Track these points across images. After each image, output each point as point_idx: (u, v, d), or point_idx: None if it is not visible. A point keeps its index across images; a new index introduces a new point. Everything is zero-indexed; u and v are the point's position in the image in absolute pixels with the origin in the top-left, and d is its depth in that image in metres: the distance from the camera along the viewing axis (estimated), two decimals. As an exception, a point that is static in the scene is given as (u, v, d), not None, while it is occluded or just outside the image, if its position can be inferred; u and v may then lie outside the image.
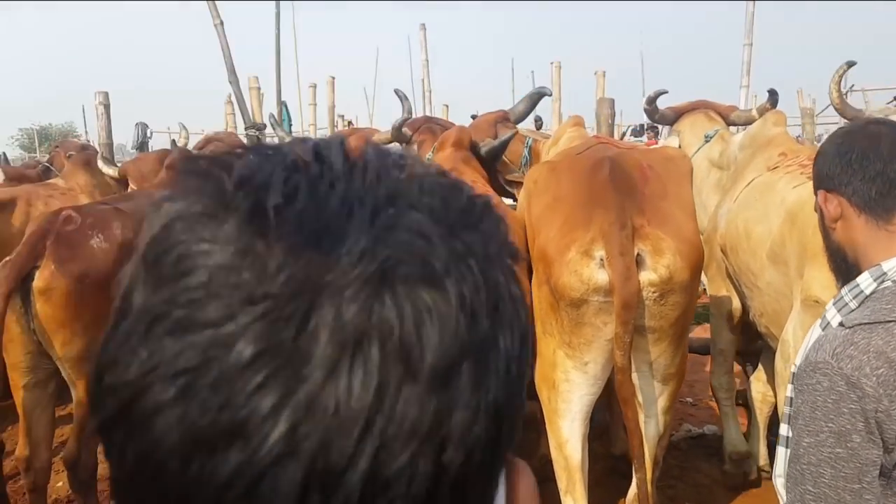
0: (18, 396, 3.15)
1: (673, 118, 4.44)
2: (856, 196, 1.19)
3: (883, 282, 1.14)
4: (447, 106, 10.65)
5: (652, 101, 4.62)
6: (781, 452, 1.28)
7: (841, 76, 3.81)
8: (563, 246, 2.25)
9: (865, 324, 1.12)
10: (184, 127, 4.97)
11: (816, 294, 2.20)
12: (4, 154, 8.63)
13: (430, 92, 9.35)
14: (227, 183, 0.34)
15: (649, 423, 2.38)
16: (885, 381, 1.05)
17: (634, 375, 2.30)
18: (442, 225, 0.34)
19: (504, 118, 4.01)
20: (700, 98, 4.43)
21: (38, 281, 2.91)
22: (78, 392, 3.11)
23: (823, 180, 1.24)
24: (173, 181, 0.36)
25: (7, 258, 2.98)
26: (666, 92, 4.31)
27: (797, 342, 2.14)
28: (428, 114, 9.30)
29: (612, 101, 4.74)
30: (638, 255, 2.15)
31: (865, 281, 1.16)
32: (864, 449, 1.07)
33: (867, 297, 1.15)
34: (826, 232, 1.27)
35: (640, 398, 2.38)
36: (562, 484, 2.36)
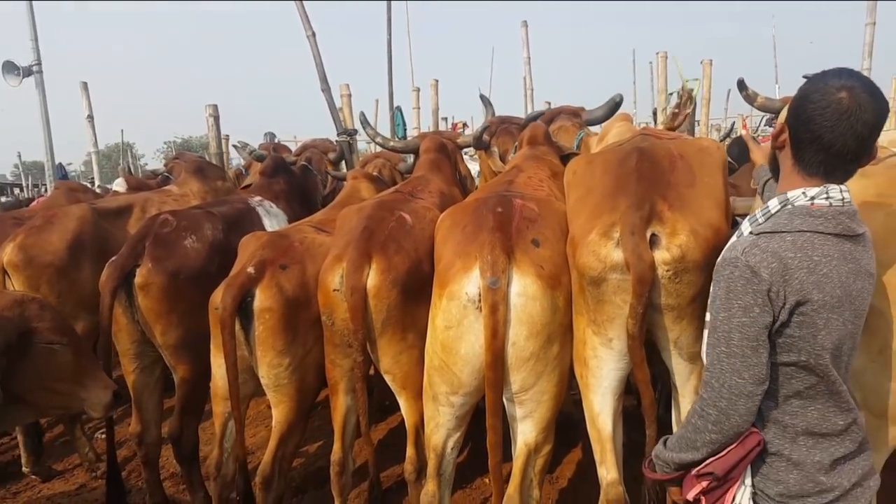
0: (129, 380, 3.58)
1: (780, 107, 4.14)
2: (800, 152, 1.60)
3: (786, 205, 1.61)
4: (549, 103, 10.59)
5: (742, 87, 4.39)
6: (706, 334, 1.74)
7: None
8: (587, 230, 2.35)
9: (767, 232, 1.59)
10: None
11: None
12: (129, 165, 9.74)
13: (532, 90, 9.33)
14: None
15: (684, 401, 2.41)
16: (775, 272, 1.52)
17: (665, 356, 2.38)
18: None
19: (573, 113, 4.01)
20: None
21: (139, 278, 3.31)
22: (177, 376, 3.48)
23: (792, 122, 1.61)
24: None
25: (112, 258, 3.39)
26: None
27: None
28: (531, 111, 9.29)
29: (691, 90, 4.54)
30: (655, 235, 2.23)
31: (773, 203, 1.63)
32: (761, 317, 1.53)
33: (772, 215, 1.62)
34: (773, 147, 1.72)
35: (674, 379, 2.42)
36: (596, 455, 2.47)
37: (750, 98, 4.46)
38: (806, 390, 1.59)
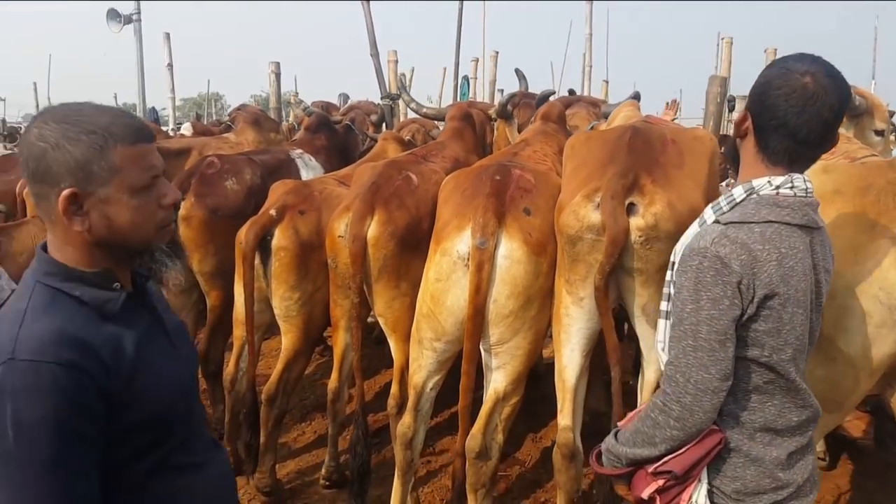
0: (170, 299, 4.03)
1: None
2: (765, 139, 1.54)
3: (751, 194, 1.53)
4: (607, 82, 10.56)
5: None
6: (662, 324, 1.69)
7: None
8: (574, 195, 2.53)
9: (735, 222, 1.51)
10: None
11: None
12: (198, 113, 10.52)
13: (591, 67, 9.35)
14: None
15: (648, 368, 2.57)
16: (745, 263, 1.46)
17: (633, 322, 2.55)
18: None
19: (592, 103, 4.26)
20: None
21: (182, 210, 3.70)
22: (210, 301, 3.93)
23: (755, 109, 1.55)
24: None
25: (162, 191, 3.84)
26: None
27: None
28: (586, 91, 9.33)
29: (725, 79, 4.59)
30: (634, 205, 2.38)
31: (738, 191, 1.55)
32: (730, 310, 1.46)
33: (737, 203, 1.55)
34: (736, 135, 1.65)
35: (640, 345, 2.61)
36: (558, 404, 2.67)
37: None
38: (765, 385, 1.55)
